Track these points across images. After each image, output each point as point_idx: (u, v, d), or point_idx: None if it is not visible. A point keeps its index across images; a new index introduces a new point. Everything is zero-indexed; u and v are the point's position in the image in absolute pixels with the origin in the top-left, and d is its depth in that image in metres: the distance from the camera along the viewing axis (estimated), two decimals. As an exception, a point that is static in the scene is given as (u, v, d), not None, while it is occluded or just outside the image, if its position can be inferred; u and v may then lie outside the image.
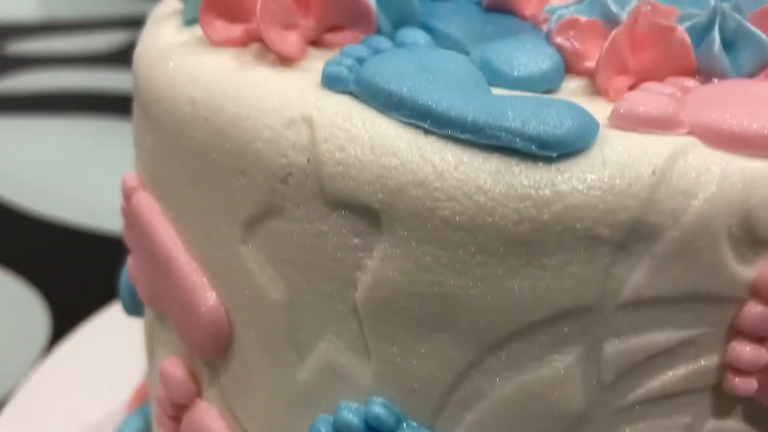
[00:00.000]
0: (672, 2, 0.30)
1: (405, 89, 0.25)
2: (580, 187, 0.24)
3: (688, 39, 0.28)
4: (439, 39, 0.30)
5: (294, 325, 0.27)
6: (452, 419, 0.27)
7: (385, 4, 0.30)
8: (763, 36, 0.28)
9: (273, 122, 0.26)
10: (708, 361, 0.26)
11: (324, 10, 0.29)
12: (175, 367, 0.32)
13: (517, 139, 0.24)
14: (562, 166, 0.24)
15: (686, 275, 0.24)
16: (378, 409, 0.26)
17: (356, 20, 0.29)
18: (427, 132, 0.25)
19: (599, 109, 0.26)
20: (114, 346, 0.52)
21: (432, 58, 0.27)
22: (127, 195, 0.33)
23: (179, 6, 0.34)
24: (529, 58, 0.28)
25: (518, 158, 0.24)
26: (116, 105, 1.06)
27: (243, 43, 0.30)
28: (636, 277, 0.24)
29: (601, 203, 0.24)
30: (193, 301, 0.30)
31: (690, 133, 0.25)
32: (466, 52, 0.30)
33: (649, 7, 0.29)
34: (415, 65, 0.26)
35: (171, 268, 0.30)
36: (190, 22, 0.33)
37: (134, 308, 0.38)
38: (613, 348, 0.25)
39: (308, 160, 0.25)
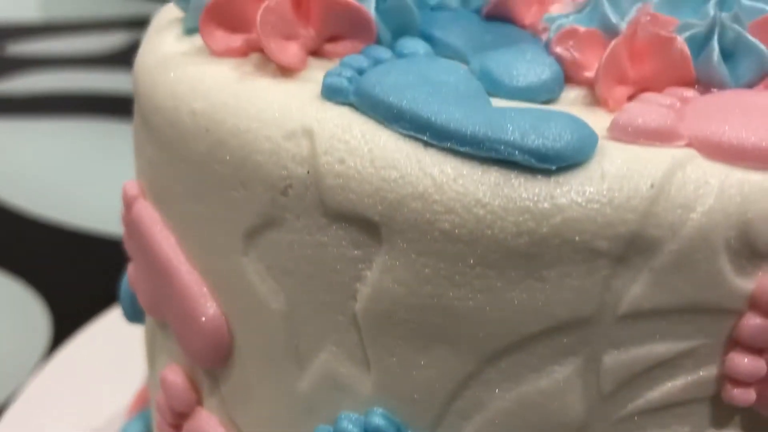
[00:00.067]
0: (671, 12, 0.31)
1: (405, 101, 0.25)
2: (579, 200, 0.24)
3: (687, 49, 0.28)
4: (439, 48, 0.30)
5: (294, 335, 0.28)
6: (452, 430, 0.27)
7: (385, 13, 0.30)
8: (762, 46, 0.28)
9: (273, 134, 0.26)
10: (707, 372, 0.26)
11: (324, 20, 0.29)
12: (175, 375, 0.32)
13: (516, 152, 0.24)
14: (561, 179, 0.24)
15: (685, 287, 0.24)
16: (378, 419, 0.27)
17: (356, 30, 0.30)
18: (426, 144, 0.25)
19: (598, 120, 0.26)
20: (115, 350, 0.52)
21: (432, 69, 0.27)
22: (128, 204, 0.33)
23: (180, 14, 0.34)
24: (529, 68, 0.28)
25: (517, 171, 0.24)
26: (117, 106, 1.06)
27: (243, 53, 0.30)
28: (635, 289, 0.24)
29: (600, 216, 0.24)
30: (194, 311, 0.30)
31: (689, 144, 0.25)
32: (465, 62, 0.30)
33: (648, 17, 0.29)
34: (415, 77, 0.26)
35: (171, 277, 0.30)
36: (190, 30, 0.33)
37: (135, 315, 0.38)
38: (612, 359, 0.25)
39: (308, 172, 0.26)
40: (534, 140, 0.24)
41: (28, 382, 0.52)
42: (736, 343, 0.26)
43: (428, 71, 0.27)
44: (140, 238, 0.32)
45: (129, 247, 0.34)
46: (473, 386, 0.26)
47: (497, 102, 0.27)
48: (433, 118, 0.25)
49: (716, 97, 0.28)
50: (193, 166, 0.28)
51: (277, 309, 0.27)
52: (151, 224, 0.31)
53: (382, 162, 0.25)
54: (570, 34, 0.29)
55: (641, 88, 0.28)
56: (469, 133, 0.24)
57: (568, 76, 0.29)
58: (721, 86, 0.28)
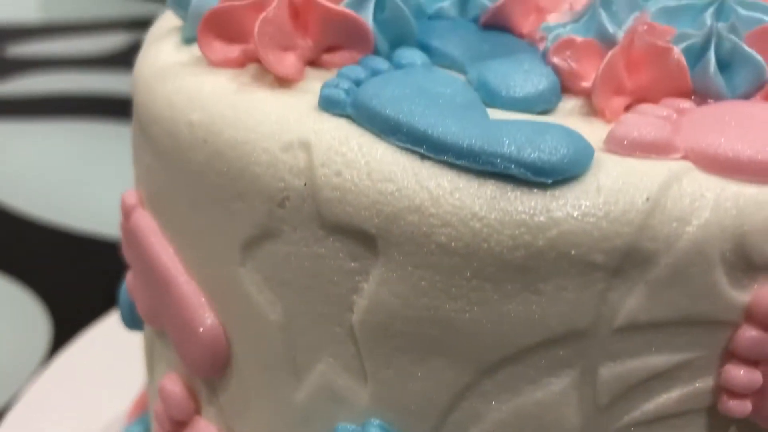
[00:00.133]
0: (668, 22, 0.31)
1: (402, 114, 0.25)
2: (575, 213, 0.24)
3: (684, 60, 0.28)
4: (437, 58, 0.30)
5: (291, 346, 0.28)
6: (449, 440, 0.27)
7: (382, 24, 0.30)
8: (759, 57, 0.28)
9: (271, 146, 0.26)
10: (703, 384, 0.26)
11: (322, 30, 0.29)
12: (174, 385, 0.32)
13: (513, 166, 0.24)
14: (557, 192, 0.24)
15: (681, 300, 0.25)
16: (375, 430, 0.27)
17: (354, 40, 0.30)
18: (423, 157, 0.25)
19: (595, 130, 0.26)
20: (115, 354, 0.52)
21: (429, 80, 0.27)
22: (126, 213, 0.33)
23: (178, 22, 0.34)
24: (526, 78, 0.28)
25: (513, 184, 0.24)
26: (117, 108, 1.06)
27: (241, 63, 0.30)
28: (631, 302, 0.24)
29: (595, 230, 0.24)
30: (192, 321, 0.30)
31: (684, 157, 0.25)
32: (463, 71, 0.30)
33: (645, 27, 0.29)
34: (412, 89, 0.26)
35: (170, 287, 0.30)
36: (188, 40, 0.33)
37: (134, 322, 0.38)
38: (608, 371, 0.25)
39: (305, 185, 0.26)
40: (530, 154, 0.24)
41: (28, 385, 0.52)
42: (732, 355, 0.26)
43: (425, 83, 0.27)
44: (138, 247, 0.32)
45: (127, 256, 0.34)
46: (470, 398, 0.26)
47: (494, 113, 0.27)
48: (430, 131, 0.25)
49: (712, 108, 0.28)
50: (191, 176, 0.28)
51: (274, 320, 0.28)
52: (150, 234, 0.31)
53: (379, 175, 0.25)
54: (567, 44, 0.29)
55: (638, 98, 0.28)
56: (465, 146, 0.24)
57: (565, 86, 0.29)
58: (718, 97, 0.28)
